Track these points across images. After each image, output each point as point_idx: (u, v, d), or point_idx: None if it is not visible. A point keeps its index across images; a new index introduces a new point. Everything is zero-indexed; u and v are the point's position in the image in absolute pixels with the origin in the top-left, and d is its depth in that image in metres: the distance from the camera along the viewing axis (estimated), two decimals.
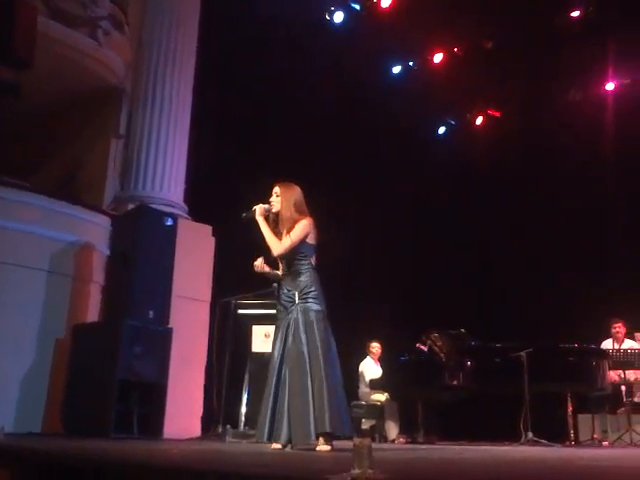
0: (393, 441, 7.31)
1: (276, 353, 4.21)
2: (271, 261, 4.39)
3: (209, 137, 7.96)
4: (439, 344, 7.12)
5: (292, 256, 4.27)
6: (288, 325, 4.23)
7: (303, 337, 4.15)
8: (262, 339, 5.81)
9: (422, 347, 7.31)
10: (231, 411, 5.76)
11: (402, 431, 7.40)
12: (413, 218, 9.72)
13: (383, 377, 7.58)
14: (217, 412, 6.03)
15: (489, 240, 9.59)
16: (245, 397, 5.76)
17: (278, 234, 4.32)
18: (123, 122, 7.93)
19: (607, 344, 7.71)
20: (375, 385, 7.66)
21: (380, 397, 7.67)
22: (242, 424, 5.68)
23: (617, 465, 3.26)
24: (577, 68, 9.27)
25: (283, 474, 2.54)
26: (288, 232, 4.27)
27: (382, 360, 8.10)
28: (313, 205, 4.39)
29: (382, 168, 9.48)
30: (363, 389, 7.92)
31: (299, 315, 4.21)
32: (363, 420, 7.78)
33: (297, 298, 4.24)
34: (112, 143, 7.90)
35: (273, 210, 4.34)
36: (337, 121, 8.75)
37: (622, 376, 7.39)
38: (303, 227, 4.28)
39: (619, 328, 7.76)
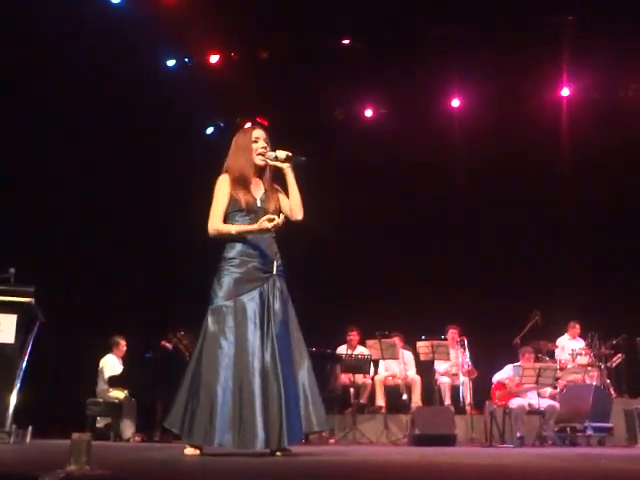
0: (128, 440, 7.11)
1: (250, 336, 3.53)
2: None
3: None
4: (185, 342, 7.10)
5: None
6: (262, 300, 3.59)
7: (292, 317, 3.69)
8: None
9: (167, 345, 7.24)
10: None
11: (139, 430, 7.23)
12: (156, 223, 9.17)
13: (124, 374, 7.36)
14: None
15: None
16: None
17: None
18: None
19: (342, 349, 8.34)
20: (115, 382, 7.39)
21: (119, 394, 7.41)
22: None
23: (344, 459, 3.63)
24: (341, 90, 9.91)
25: None
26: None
27: (125, 357, 7.84)
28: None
29: (146, 161, 9.01)
30: (102, 386, 7.59)
31: (282, 291, 3.66)
32: (98, 418, 7.47)
33: (275, 268, 3.68)
34: None
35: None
36: (99, 102, 8.29)
37: (352, 379, 8.05)
38: None
39: (353, 335, 8.44)
